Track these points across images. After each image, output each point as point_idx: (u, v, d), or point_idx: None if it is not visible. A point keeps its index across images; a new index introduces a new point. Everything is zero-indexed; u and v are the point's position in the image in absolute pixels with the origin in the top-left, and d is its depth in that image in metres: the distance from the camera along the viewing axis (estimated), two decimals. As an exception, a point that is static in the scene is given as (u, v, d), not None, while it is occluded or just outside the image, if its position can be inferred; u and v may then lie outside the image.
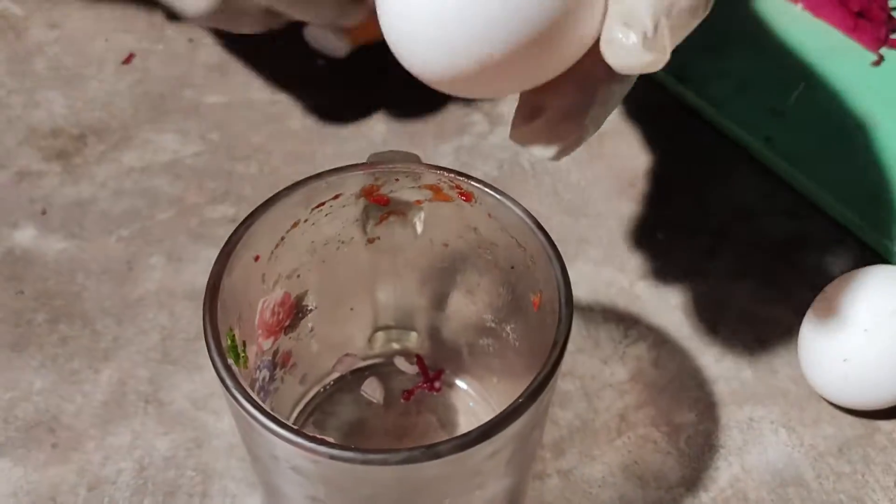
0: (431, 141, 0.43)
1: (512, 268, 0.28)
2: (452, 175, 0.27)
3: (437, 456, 0.22)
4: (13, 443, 0.33)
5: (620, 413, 0.35)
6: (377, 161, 0.28)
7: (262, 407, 0.22)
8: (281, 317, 0.29)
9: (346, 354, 0.33)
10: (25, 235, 0.39)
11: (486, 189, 0.27)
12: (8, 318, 0.36)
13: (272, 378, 0.30)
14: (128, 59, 0.46)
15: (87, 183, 0.41)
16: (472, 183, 0.27)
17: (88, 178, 0.41)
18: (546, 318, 0.27)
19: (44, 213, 0.40)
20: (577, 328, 0.37)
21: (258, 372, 0.29)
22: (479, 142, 0.43)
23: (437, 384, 0.33)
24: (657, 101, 0.45)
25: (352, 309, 0.32)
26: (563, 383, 0.35)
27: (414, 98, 0.45)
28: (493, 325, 0.31)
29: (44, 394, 0.34)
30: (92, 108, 0.44)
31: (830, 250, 0.40)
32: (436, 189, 0.28)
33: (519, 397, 0.23)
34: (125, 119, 0.44)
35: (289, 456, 0.23)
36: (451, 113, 0.44)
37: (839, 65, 0.45)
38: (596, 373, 0.36)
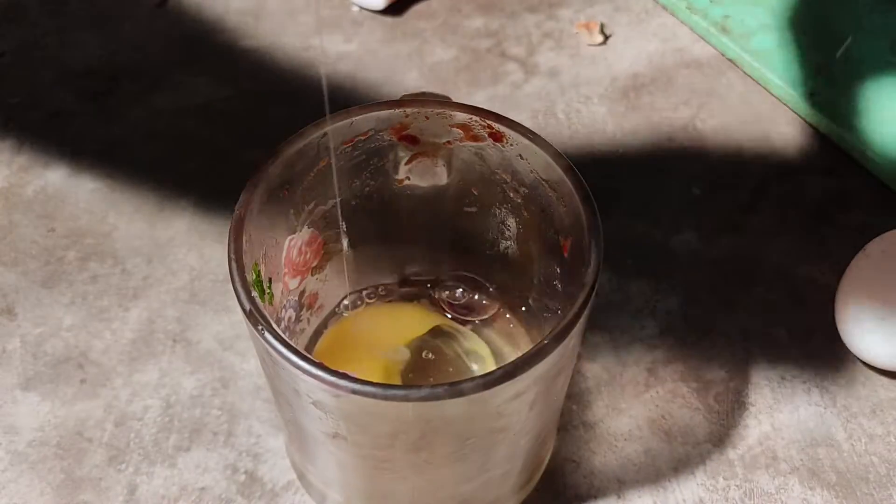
0: (465, 89, 0.42)
1: (542, 211, 0.28)
2: (483, 115, 0.27)
3: (461, 394, 0.22)
4: (42, 378, 0.34)
5: (649, 367, 0.34)
6: (407, 99, 0.27)
7: (283, 338, 0.22)
8: (308, 257, 0.29)
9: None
10: (58, 175, 0.39)
11: (518, 130, 0.27)
12: (39, 255, 0.37)
13: (298, 319, 0.30)
14: (162, 2, 0.46)
15: (119, 124, 0.41)
16: (504, 123, 0.27)
17: (120, 119, 0.41)
18: (575, 263, 0.26)
19: (76, 153, 0.40)
20: (608, 281, 0.37)
21: (284, 311, 0.29)
22: (513, 91, 0.43)
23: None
24: (698, 54, 0.44)
25: (380, 252, 0.32)
26: (592, 336, 0.35)
27: (448, 46, 0.44)
28: (522, 271, 0.30)
29: (73, 330, 0.35)
30: (125, 50, 0.44)
31: (872, 209, 0.39)
32: (466, 129, 0.27)
33: (544, 339, 0.23)
34: (158, 61, 0.43)
35: (310, 390, 0.23)
36: (486, 62, 0.44)
37: (888, 20, 0.43)
38: (625, 326, 0.35)
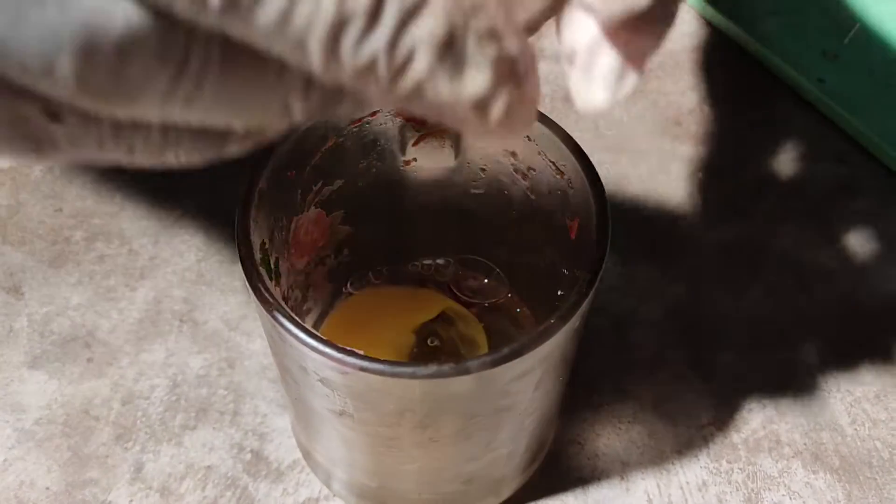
0: (472, 72, 0.42)
1: (549, 193, 0.28)
2: (492, 95, 0.27)
3: (467, 371, 0.22)
4: (49, 356, 0.34)
5: (654, 351, 0.34)
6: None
7: (291, 315, 0.22)
8: (315, 237, 0.29)
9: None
10: (65, 155, 0.39)
11: (526, 110, 0.26)
12: (46, 234, 0.37)
13: (304, 299, 0.30)
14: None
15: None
16: (512, 104, 0.27)
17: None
18: (582, 246, 0.26)
19: (83, 133, 0.40)
20: (614, 265, 0.37)
21: (290, 291, 0.29)
22: (520, 75, 0.43)
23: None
24: (705, 39, 0.44)
25: (386, 234, 0.32)
26: (598, 319, 0.35)
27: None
28: (528, 253, 0.30)
29: (80, 309, 0.35)
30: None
31: (879, 196, 0.39)
32: (474, 110, 0.27)
33: (550, 318, 0.23)
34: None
35: (318, 367, 0.23)
36: (494, 46, 0.44)
37: (898, 6, 0.43)
38: (631, 310, 0.35)
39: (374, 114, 0.27)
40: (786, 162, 0.40)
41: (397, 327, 0.32)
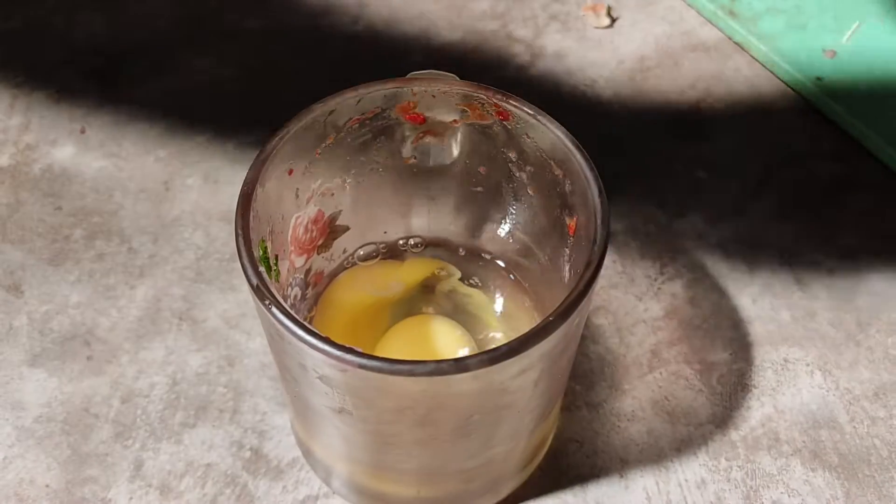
0: (471, 71, 0.42)
1: (549, 190, 0.28)
2: (490, 93, 0.27)
3: (466, 369, 0.22)
4: (49, 354, 0.34)
5: (653, 349, 0.35)
6: (415, 77, 0.27)
7: (290, 313, 0.22)
8: (314, 235, 0.29)
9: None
10: (64, 153, 0.39)
11: (525, 108, 0.27)
12: (46, 233, 0.37)
13: (304, 297, 0.30)
14: None
15: (125, 103, 0.41)
16: (511, 102, 0.27)
17: (127, 98, 0.41)
18: (581, 244, 0.26)
19: (83, 131, 0.40)
20: (613, 264, 0.37)
21: (290, 289, 0.29)
22: (519, 74, 0.43)
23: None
24: (705, 37, 0.44)
25: (385, 232, 0.32)
26: (596, 318, 0.35)
27: (454, 28, 0.44)
28: (527, 251, 0.30)
29: (80, 308, 0.35)
30: (132, 29, 0.44)
31: (878, 194, 0.39)
32: (473, 108, 0.27)
33: (549, 315, 0.23)
34: (165, 41, 0.43)
35: (317, 365, 0.23)
36: (492, 44, 0.44)
37: (897, 4, 0.43)
38: (630, 308, 0.35)
39: (373, 111, 0.27)
40: (784, 160, 0.40)
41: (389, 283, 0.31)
